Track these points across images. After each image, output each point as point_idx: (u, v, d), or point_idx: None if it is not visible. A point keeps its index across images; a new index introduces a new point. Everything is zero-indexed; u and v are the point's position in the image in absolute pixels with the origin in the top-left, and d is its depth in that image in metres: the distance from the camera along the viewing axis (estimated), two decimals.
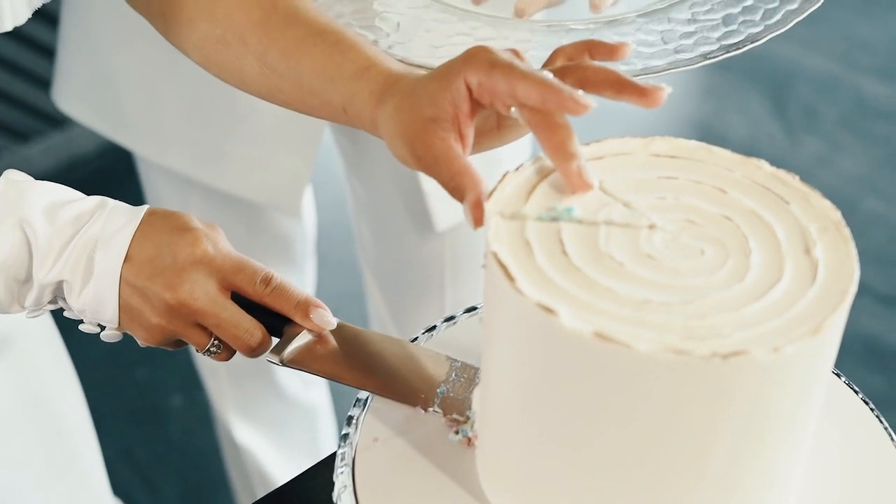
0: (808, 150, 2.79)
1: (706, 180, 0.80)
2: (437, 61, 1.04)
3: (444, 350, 0.92)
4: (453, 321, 0.95)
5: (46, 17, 2.37)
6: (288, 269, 1.72)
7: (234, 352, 0.94)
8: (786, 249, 0.75)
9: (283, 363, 0.91)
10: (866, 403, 0.89)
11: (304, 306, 0.91)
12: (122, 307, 0.92)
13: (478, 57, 0.83)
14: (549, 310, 0.70)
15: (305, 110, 0.97)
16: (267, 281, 0.91)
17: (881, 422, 0.87)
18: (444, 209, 1.58)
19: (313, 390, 1.87)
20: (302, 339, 0.92)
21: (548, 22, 1.11)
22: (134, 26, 1.03)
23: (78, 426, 1.26)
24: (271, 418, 1.83)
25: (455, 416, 0.87)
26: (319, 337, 0.92)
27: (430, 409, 0.88)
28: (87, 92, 1.57)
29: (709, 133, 2.89)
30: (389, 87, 0.88)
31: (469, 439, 0.85)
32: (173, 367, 2.24)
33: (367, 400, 0.89)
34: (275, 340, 0.93)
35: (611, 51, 0.85)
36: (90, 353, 1.95)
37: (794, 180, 0.80)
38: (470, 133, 0.85)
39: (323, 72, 0.92)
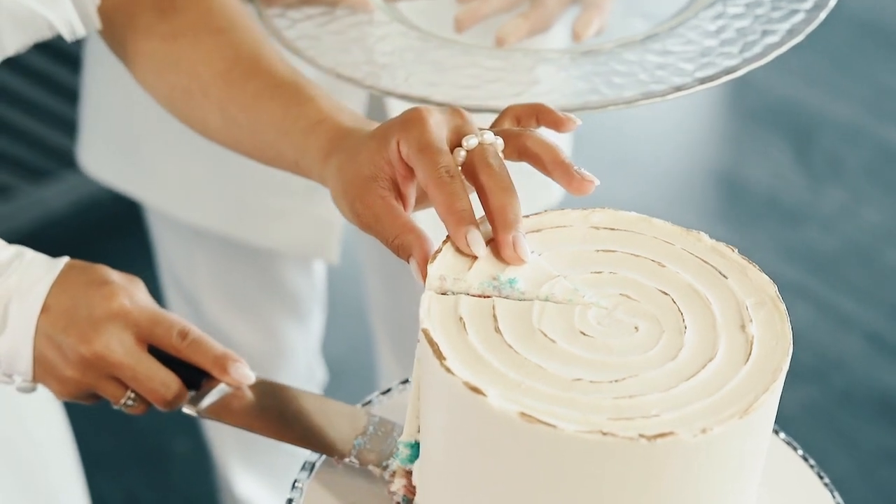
0: (830, 199, 2.77)
1: (644, 253, 0.79)
2: (409, 89, 1.04)
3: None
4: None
5: (63, 57, 2.40)
6: (293, 320, 1.72)
7: (150, 405, 0.94)
8: (721, 325, 0.74)
9: (200, 415, 0.91)
10: (821, 478, 0.87)
11: (223, 361, 0.92)
12: (37, 359, 0.91)
13: (413, 129, 0.81)
14: (476, 390, 0.70)
15: (265, 161, 0.97)
16: (184, 335, 0.92)
17: (833, 496, 0.86)
18: None
19: None
20: (219, 391, 0.92)
21: (524, 50, 1.10)
22: None
23: (62, 470, 1.26)
24: (271, 468, 1.83)
25: (371, 466, 0.87)
26: (237, 390, 0.93)
27: (347, 459, 0.87)
28: (111, 152, 1.56)
29: (730, 181, 2.87)
30: (337, 143, 0.88)
31: None
32: (176, 411, 2.25)
33: (314, 464, 0.88)
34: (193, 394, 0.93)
35: (556, 122, 0.85)
36: None
37: (732, 253, 0.79)
38: (411, 192, 0.84)
39: (278, 125, 0.93)
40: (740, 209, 2.79)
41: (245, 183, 1.50)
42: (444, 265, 0.78)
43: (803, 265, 2.57)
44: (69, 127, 2.44)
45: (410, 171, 0.82)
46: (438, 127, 0.81)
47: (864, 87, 3.09)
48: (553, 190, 1.51)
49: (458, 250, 0.78)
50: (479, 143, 0.81)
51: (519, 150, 0.81)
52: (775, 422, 0.82)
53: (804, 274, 2.53)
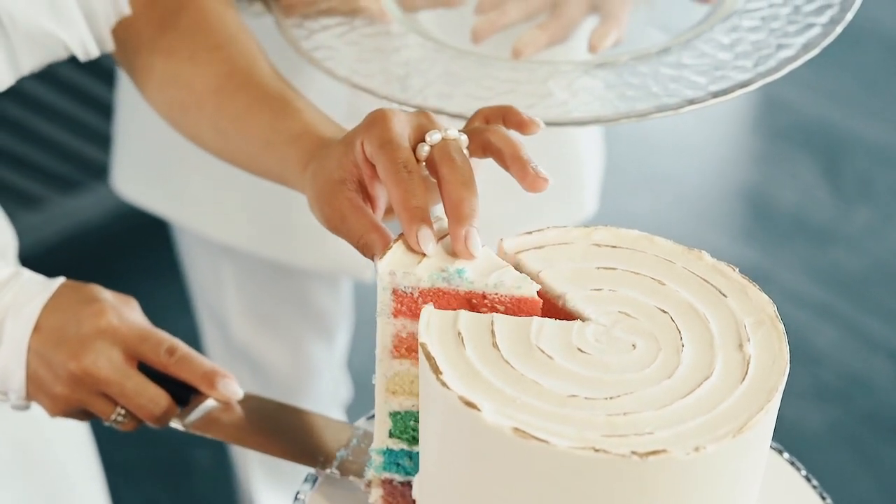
0: (859, 220, 2.75)
1: (644, 271, 0.79)
2: (424, 100, 1.04)
3: None
4: None
5: (95, 70, 2.41)
6: (320, 338, 1.72)
7: (141, 421, 0.95)
8: (718, 344, 0.74)
9: (188, 429, 0.93)
10: (823, 499, 0.87)
11: (211, 376, 0.93)
12: (30, 377, 0.93)
13: (375, 128, 0.83)
14: (471, 404, 0.70)
15: (256, 174, 0.99)
16: (172, 351, 0.93)
17: None
18: None
19: None
20: (207, 406, 0.94)
21: (538, 62, 1.10)
22: None
23: (84, 479, 1.28)
24: (293, 481, 1.82)
25: (352, 477, 0.87)
26: (225, 404, 0.94)
27: (328, 470, 0.88)
28: (145, 174, 1.57)
29: (757, 200, 2.86)
30: (314, 154, 0.90)
31: None
32: None
33: (316, 476, 0.89)
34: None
35: (521, 123, 0.86)
36: None
37: (733, 272, 0.79)
38: (379, 193, 0.85)
39: (264, 137, 0.95)
40: (768, 228, 2.77)
41: (279, 203, 1.50)
42: (394, 261, 0.79)
43: (830, 285, 2.55)
44: (100, 139, 2.45)
45: (375, 171, 0.84)
46: (401, 125, 0.83)
47: (894, 107, 3.07)
48: (586, 204, 1.50)
49: (409, 247, 0.79)
50: (443, 139, 0.83)
51: (483, 145, 0.83)
52: (789, 442, 0.82)
53: (831, 294, 2.51)
